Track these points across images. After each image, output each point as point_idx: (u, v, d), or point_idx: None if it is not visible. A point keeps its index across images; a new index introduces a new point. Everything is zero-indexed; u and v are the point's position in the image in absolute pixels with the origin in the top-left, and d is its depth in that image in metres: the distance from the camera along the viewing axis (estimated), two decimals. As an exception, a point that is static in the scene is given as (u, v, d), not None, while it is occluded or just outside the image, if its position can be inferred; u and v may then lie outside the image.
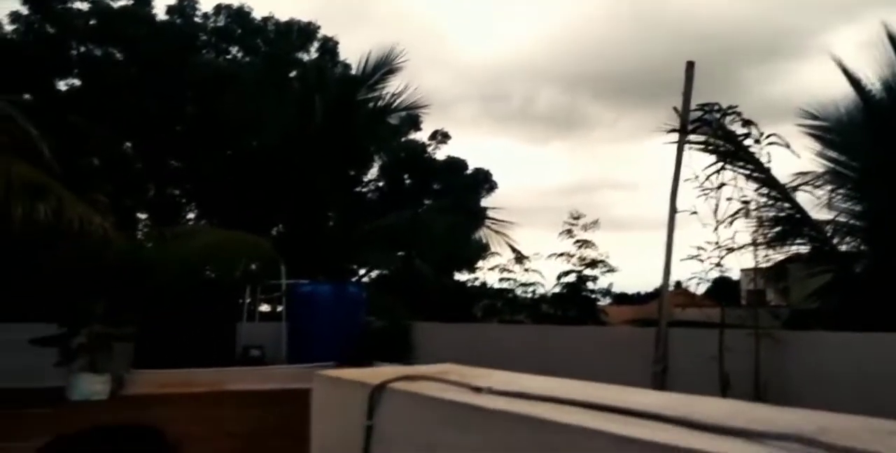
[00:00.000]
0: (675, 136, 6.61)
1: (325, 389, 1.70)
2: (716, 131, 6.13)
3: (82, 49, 17.53)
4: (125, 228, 13.11)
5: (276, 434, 6.70)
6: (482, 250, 17.57)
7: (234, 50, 19.69)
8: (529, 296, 13.98)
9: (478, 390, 1.20)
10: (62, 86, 17.36)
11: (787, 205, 7.23)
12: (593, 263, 12.02)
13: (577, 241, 11.97)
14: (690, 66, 6.83)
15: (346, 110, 15.75)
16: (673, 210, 6.12)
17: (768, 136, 5.88)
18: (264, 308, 14.63)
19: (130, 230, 14.62)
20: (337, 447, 1.57)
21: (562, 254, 12.13)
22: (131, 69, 16.87)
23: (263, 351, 11.56)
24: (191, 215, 18.80)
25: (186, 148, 17.05)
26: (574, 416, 0.96)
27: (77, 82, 17.37)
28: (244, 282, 13.17)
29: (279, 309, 13.59)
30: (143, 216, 18.24)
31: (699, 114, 6.34)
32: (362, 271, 19.08)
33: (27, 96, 11.20)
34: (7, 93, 9.98)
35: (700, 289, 7.80)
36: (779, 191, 7.09)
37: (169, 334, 10.92)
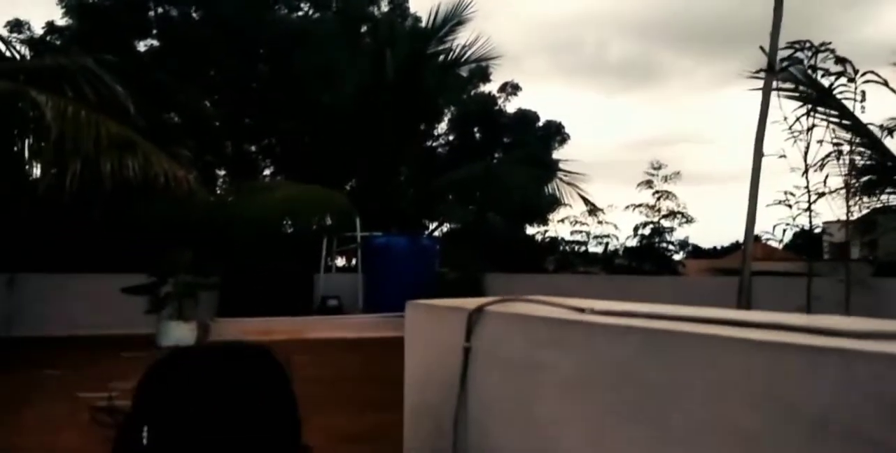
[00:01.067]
0: (761, 81, 6.32)
1: (419, 316, 1.74)
2: (806, 70, 5.83)
3: (160, 10, 17.90)
4: (206, 184, 13.53)
5: (355, 379, 6.90)
6: (554, 203, 17.43)
7: (305, 6, 19.75)
8: (603, 248, 13.86)
9: (580, 311, 1.20)
10: (142, 47, 17.83)
11: (877, 152, 6.87)
12: (671, 214, 11.79)
13: (657, 192, 11.74)
14: (779, 1, 6.48)
15: (417, 64, 15.66)
16: (758, 155, 5.89)
17: (864, 74, 5.56)
18: (340, 261, 14.95)
19: (211, 185, 15.08)
20: (432, 372, 1.60)
21: (639, 206, 11.94)
22: (207, 29, 17.16)
23: (340, 301, 11.86)
24: (267, 171, 19.22)
25: (261, 105, 17.34)
26: (695, 327, 0.94)
27: (155, 43, 17.80)
28: (320, 235, 13.47)
29: (353, 262, 13.87)
30: (221, 172, 18.76)
31: (788, 53, 6.02)
32: (434, 225, 19.24)
33: (111, 57, 11.54)
34: (93, 53, 10.29)
35: (785, 237, 7.54)
36: (870, 138, 6.73)
37: (251, 285, 11.31)
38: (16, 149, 9.25)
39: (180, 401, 1.06)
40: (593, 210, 14.25)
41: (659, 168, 11.93)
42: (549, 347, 1.18)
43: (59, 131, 7.54)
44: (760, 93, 6.28)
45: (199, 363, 1.13)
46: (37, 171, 10.47)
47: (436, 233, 17.88)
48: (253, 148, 19.20)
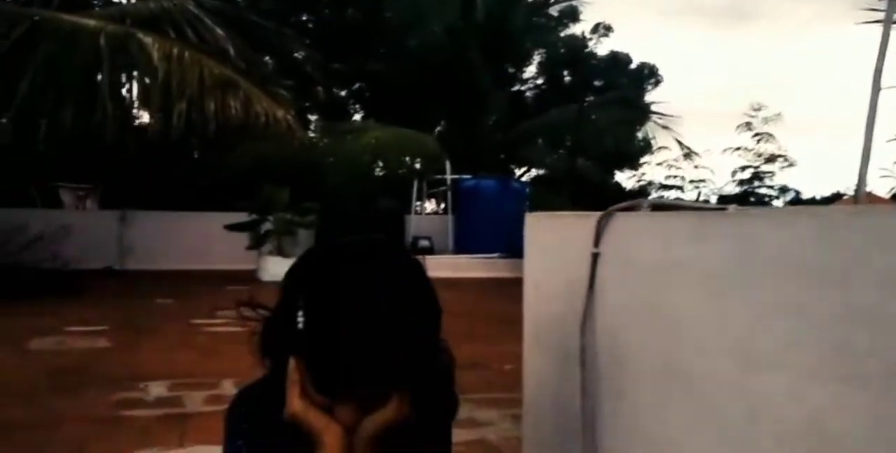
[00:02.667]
0: (878, 13, 5.88)
1: (540, 226, 1.77)
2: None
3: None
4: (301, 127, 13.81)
5: (450, 314, 7.07)
6: (647, 147, 17.01)
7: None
8: (698, 193, 13.49)
9: (721, 209, 1.20)
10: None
11: None
12: (771, 158, 11.31)
13: (756, 135, 11.26)
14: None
15: (506, 5, 15.36)
16: (876, 90, 5.54)
17: None
18: (429, 205, 15.12)
19: (304, 129, 15.37)
20: (555, 282, 1.63)
21: (737, 149, 11.50)
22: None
23: (432, 242, 12.04)
24: (357, 116, 19.43)
25: (352, 50, 17.42)
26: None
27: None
28: (410, 177, 13.63)
29: (442, 205, 14.00)
30: (313, 118, 19.08)
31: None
32: (523, 169, 19.12)
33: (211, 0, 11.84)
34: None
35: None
36: None
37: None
38: (125, 92, 9.67)
39: (330, 290, 1.13)
40: (689, 154, 13.83)
41: (759, 109, 11.40)
42: (690, 244, 1.19)
43: (166, 72, 7.82)
44: (877, 25, 5.86)
45: (347, 254, 1.20)
46: (144, 115, 10.97)
47: (524, 178, 17.79)
48: (343, 93, 19.40)
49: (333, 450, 1.14)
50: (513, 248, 11.02)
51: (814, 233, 0.95)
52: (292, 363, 1.19)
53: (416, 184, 13.47)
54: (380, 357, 1.09)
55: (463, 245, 12.01)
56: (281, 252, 10.24)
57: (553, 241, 1.66)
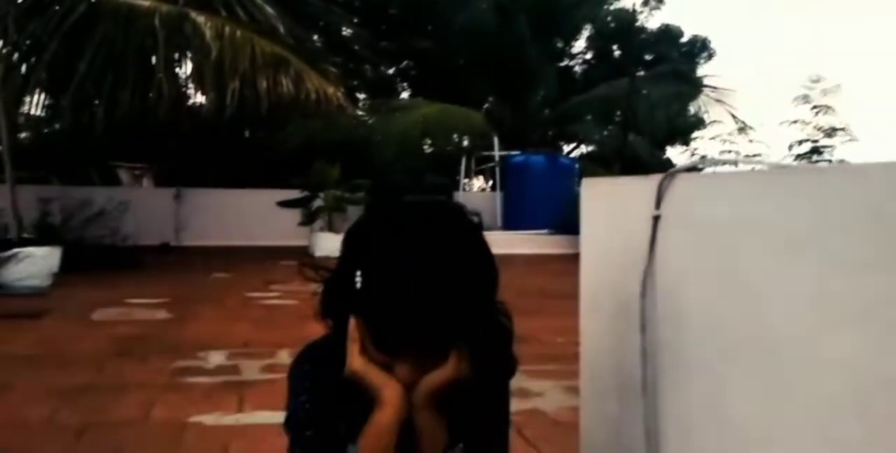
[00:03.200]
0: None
1: (598, 192, 1.75)
2: None
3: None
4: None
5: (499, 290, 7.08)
6: (699, 122, 16.65)
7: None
8: (752, 168, 13.15)
9: (789, 166, 1.17)
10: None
11: None
12: (831, 132, 10.94)
13: (815, 107, 10.88)
14: None
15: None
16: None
17: None
18: (477, 182, 15.10)
19: (354, 107, 15.45)
20: (613, 248, 1.62)
21: (794, 122, 11.13)
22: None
23: (480, 218, 12.01)
24: (404, 94, 19.43)
25: (399, 28, 17.38)
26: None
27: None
28: (458, 154, 13.62)
29: (490, 182, 13.96)
30: (361, 96, 19.16)
31: None
32: (572, 146, 18.92)
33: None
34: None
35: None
36: None
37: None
38: (179, 71, 9.84)
39: (389, 248, 1.14)
40: (743, 128, 13.47)
41: (817, 81, 10.99)
42: (758, 201, 1.16)
43: (219, 51, 7.93)
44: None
45: (406, 213, 1.21)
46: (197, 94, 11.17)
47: (573, 155, 17.60)
48: (391, 71, 19.41)
49: (392, 407, 1.17)
50: (562, 225, 10.96)
51: (892, 185, 0.92)
52: (352, 322, 1.21)
53: (463, 160, 13.46)
54: (438, 315, 1.10)
55: (511, 221, 11.98)
56: (332, 228, 10.38)
57: (611, 206, 1.65)
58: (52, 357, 3.95)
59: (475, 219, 1.31)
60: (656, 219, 1.42)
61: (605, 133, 16.81)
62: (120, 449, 2.52)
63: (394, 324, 1.12)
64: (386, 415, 1.16)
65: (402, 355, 1.17)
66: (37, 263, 6.53)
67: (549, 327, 4.67)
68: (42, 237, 7.17)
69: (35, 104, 9.33)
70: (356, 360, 1.19)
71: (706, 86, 15.73)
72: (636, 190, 1.52)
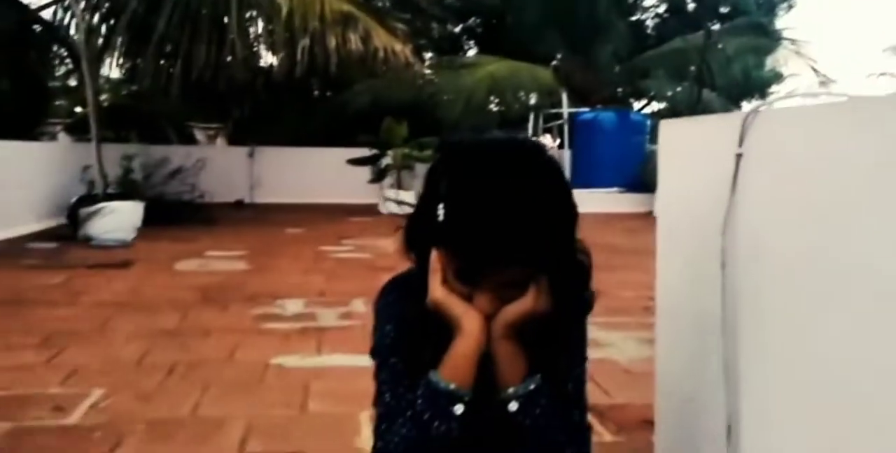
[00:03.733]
0: None
1: (677, 132, 1.74)
2: None
3: None
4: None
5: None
6: (776, 76, 15.98)
7: None
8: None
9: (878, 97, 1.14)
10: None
11: None
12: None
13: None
14: None
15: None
16: None
17: None
18: (545, 138, 14.91)
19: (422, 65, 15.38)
20: (692, 188, 1.61)
21: (882, 75, 10.57)
22: None
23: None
24: (471, 52, 19.23)
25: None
26: None
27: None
28: (526, 111, 13.47)
29: (558, 140, 13.79)
30: (428, 55, 19.06)
31: None
32: (643, 103, 18.47)
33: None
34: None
35: None
36: None
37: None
38: (251, 32, 9.98)
39: (470, 181, 1.17)
40: (825, 81, 12.87)
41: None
42: (847, 135, 1.13)
43: (289, 8, 8.01)
44: None
45: (488, 147, 1.23)
46: (267, 54, 11.32)
47: (644, 112, 17.18)
48: (457, 28, 19.21)
49: (472, 335, 1.20)
50: (632, 182, 10.79)
51: None
52: (434, 254, 1.25)
53: (531, 118, 13.30)
54: (519, 245, 1.13)
55: (580, 180, 11.82)
56: (400, 185, 10.48)
57: (691, 146, 1.63)
58: (141, 303, 4.18)
59: (554, 156, 1.32)
60: (739, 156, 1.40)
61: (678, 89, 16.31)
62: (207, 386, 2.67)
63: (475, 255, 1.14)
64: (466, 344, 1.20)
65: (482, 287, 1.20)
66: (122, 217, 6.83)
67: (620, 282, 4.67)
68: (125, 192, 7.49)
69: (113, 66, 9.65)
70: (438, 291, 1.23)
71: (785, 38, 15.03)
72: (718, 128, 1.51)
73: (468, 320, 1.20)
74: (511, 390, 1.21)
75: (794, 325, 1.26)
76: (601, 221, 9.26)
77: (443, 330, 1.23)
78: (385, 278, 1.35)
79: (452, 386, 1.18)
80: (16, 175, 7.53)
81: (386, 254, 6.08)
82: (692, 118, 1.67)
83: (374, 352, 1.33)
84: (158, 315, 3.85)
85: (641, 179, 10.44)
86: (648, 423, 1.94)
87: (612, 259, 5.56)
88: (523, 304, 1.21)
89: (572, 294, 1.33)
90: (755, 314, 1.36)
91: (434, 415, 1.18)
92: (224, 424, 2.27)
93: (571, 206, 1.22)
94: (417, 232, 1.30)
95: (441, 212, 1.16)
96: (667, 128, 1.75)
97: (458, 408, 1.18)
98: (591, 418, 1.48)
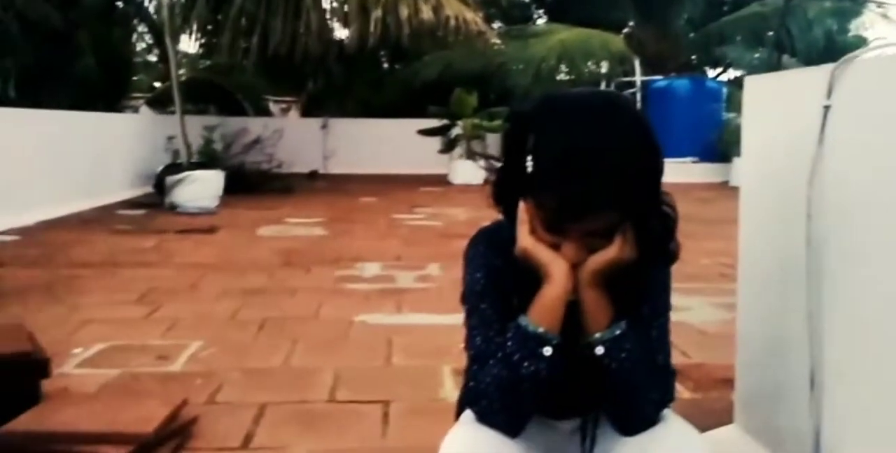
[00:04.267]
0: None
1: (762, 88, 1.74)
2: None
3: None
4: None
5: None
6: (861, 41, 15.25)
7: None
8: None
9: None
10: None
11: None
12: None
13: None
14: None
15: None
16: None
17: None
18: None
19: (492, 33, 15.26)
20: (779, 141, 1.61)
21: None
22: None
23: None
24: (540, 21, 18.97)
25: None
26: None
27: None
28: (597, 80, 13.26)
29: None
30: (497, 24, 18.90)
31: None
32: (717, 71, 17.92)
33: None
34: None
35: None
36: None
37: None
38: (324, 6, 10.10)
39: (557, 132, 1.22)
40: (917, 45, 12.19)
41: None
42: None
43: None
44: None
45: (574, 99, 1.28)
46: (341, 28, 11.44)
47: (720, 80, 16.66)
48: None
49: (559, 282, 1.26)
50: (708, 152, 10.55)
51: None
52: (522, 205, 1.31)
53: (602, 86, 13.10)
54: (605, 195, 1.18)
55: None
56: (470, 156, 10.53)
57: (776, 101, 1.64)
58: (229, 265, 4.39)
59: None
60: (826, 108, 1.41)
61: (756, 56, 15.76)
62: (296, 340, 2.82)
63: (563, 204, 1.20)
64: (554, 290, 1.25)
65: (569, 236, 1.25)
66: (205, 185, 7.12)
67: (696, 249, 4.63)
68: (207, 162, 7.78)
69: (192, 41, 9.94)
70: (526, 240, 1.28)
71: (871, 1, 14.30)
72: (805, 81, 1.51)
73: (556, 268, 1.26)
74: (597, 335, 1.27)
75: (881, 275, 1.28)
76: (676, 191, 9.04)
77: (530, 278, 1.30)
78: (458, 245, 1.41)
79: (541, 329, 1.24)
80: (105, 145, 7.91)
81: (458, 221, 6.17)
82: (777, 73, 1.67)
83: (465, 299, 1.39)
84: (246, 276, 4.05)
85: (717, 148, 10.21)
86: (726, 382, 1.97)
87: (688, 228, 5.45)
88: (609, 253, 1.25)
89: (657, 244, 1.37)
90: (841, 265, 1.38)
91: (524, 356, 1.24)
92: (314, 374, 2.41)
93: (657, 157, 1.26)
94: (505, 185, 1.37)
95: (529, 163, 1.21)
96: (751, 83, 1.75)
97: (547, 351, 1.24)
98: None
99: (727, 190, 8.54)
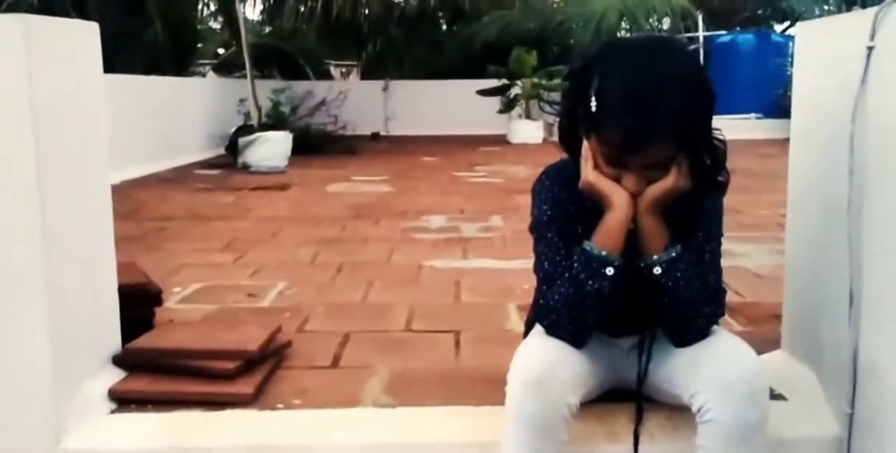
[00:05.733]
0: None
1: (812, 32, 1.84)
2: None
3: None
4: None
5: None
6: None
7: None
8: None
9: None
10: None
11: None
12: None
13: None
14: None
15: None
16: None
17: None
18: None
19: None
20: (826, 81, 1.70)
21: None
22: None
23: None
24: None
25: None
26: None
27: None
28: (660, 37, 13.03)
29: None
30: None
31: None
32: (784, 25, 17.31)
33: None
34: None
35: None
36: None
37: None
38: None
39: (620, 73, 1.37)
40: None
41: None
42: None
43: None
44: None
45: (634, 44, 1.43)
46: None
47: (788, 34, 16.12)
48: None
49: (621, 210, 1.42)
50: (771, 108, 10.37)
51: None
52: (586, 144, 1.47)
53: (665, 43, 12.88)
54: (663, 129, 1.33)
55: (717, 105, 11.47)
56: (529, 115, 10.58)
57: (825, 43, 1.74)
58: (303, 217, 4.67)
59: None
60: (870, 49, 1.52)
61: (826, 8, 15.18)
62: (372, 281, 3.05)
63: (624, 138, 1.36)
64: (616, 217, 1.42)
65: (629, 168, 1.41)
66: (275, 146, 7.43)
67: (755, 202, 4.69)
68: (276, 124, 8.08)
69: (255, 6, 10.18)
70: (591, 174, 1.45)
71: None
72: (851, 24, 1.61)
73: (617, 197, 1.42)
74: (655, 257, 1.43)
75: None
76: (738, 148, 8.93)
77: (593, 209, 1.46)
78: (519, 200, 1.58)
79: (604, 252, 1.42)
80: (179, 109, 8.28)
81: (518, 178, 6.32)
82: (826, 18, 1.76)
83: (534, 228, 1.57)
84: (320, 227, 4.31)
85: (781, 105, 10.00)
86: (777, 317, 2.10)
87: (748, 181, 5.54)
88: (666, 183, 1.41)
89: (709, 175, 1.52)
90: (880, 193, 1.50)
91: (588, 276, 1.42)
92: (390, 309, 2.63)
93: (709, 95, 1.40)
94: (571, 125, 1.53)
95: (594, 103, 1.37)
96: (802, 29, 1.85)
97: (609, 270, 1.41)
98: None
99: (788, 146, 8.43)
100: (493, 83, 10.97)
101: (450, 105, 12.22)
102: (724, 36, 12.12)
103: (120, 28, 8.80)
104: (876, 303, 1.49)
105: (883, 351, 1.47)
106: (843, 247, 1.57)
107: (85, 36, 1.77)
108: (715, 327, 1.51)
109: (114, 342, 1.88)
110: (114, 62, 8.43)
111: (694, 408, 1.36)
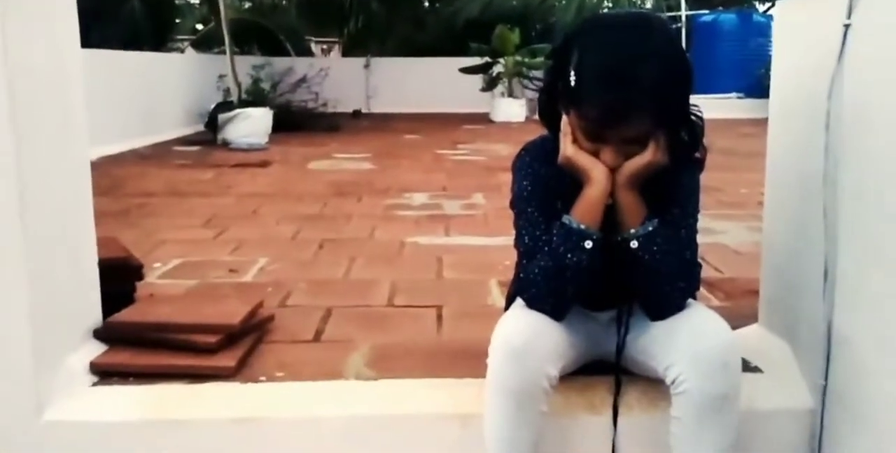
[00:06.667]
0: None
1: (790, 10, 1.85)
2: None
3: None
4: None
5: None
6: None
7: None
8: None
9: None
10: None
11: None
12: None
13: None
14: None
15: None
16: None
17: None
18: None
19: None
20: (804, 58, 1.72)
21: None
22: None
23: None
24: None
25: None
26: None
27: None
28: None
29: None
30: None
31: None
32: (767, 5, 17.33)
33: None
34: None
35: None
36: None
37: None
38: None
39: (598, 49, 1.38)
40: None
41: None
42: None
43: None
44: None
45: (613, 20, 1.43)
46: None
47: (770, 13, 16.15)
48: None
49: (600, 183, 1.44)
50: (752, 87, 10.42)
51: None
52: (565, 119, 1.48)
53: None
54: (641, 103, 1.35)
55: (697, 85, 11.47)
56: (511, 93, 10.56)
57: (803, 22, 1.76)
58: (285, 194, 4.66)
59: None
60: (847, 27, 1.53)
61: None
62: (354, 257, 3.05)
63: (603, 112, 1.37)
64: (594, 191, 1.44)
65: (607, 143, 1.42)
66: (255, 122, 7.38)
67: (735, 180, 4.75)
68: (256, 100, 8.01)
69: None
70: (569, 149, 1.46)
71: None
72: (830, 2, 1.62)
73: (596, 171, 1.44)
74: (632, 231, 1.45)
75: (891, 180, 1.42)
76: (719, 127, 9.03)
77: (572, 184, 1.48)
78: (501, 177, 1.59)
79: (583, 226, 1.43)
80: (157, 85, 8.17)
81: (500, 156, 6.32)
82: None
83: (514, 203, 1.58)
84: (301, 204, 4.30)
85: (762, 84, 10.06)
86: (754, 292, 2.13)
87: (729, 160, 5.61)
88: (644, 158, 1.43)
89: (687, 151, 1.54)
90: (857, 171, 1.52)
91: (567, 249, 1.43)
92: (373, 284, 2.65)
93: (689, 73, 1.42)
94: (550, 100, 1.54)
95: (573, 78, 1.38)
96: (781, 8, 1.87)
97: (588, 244, 1.43)
98: (701, 289, 1.69)
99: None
100: (475, 61, 10.92)
101: (432, 83, 12.16)
102: (706, 15, 12.14)
103: (97, 2, 8.66)
104: (850, 278, 1.52)
105: (856, 325, 1.50)
106: (819, 224, 1.59)
107: (62, 10, 1.74)
108: (690, 301, 1.54)
109: (95, 316, 1.87)
110: (90, 37, 8.29)
111: (668, 380, 1.39)
